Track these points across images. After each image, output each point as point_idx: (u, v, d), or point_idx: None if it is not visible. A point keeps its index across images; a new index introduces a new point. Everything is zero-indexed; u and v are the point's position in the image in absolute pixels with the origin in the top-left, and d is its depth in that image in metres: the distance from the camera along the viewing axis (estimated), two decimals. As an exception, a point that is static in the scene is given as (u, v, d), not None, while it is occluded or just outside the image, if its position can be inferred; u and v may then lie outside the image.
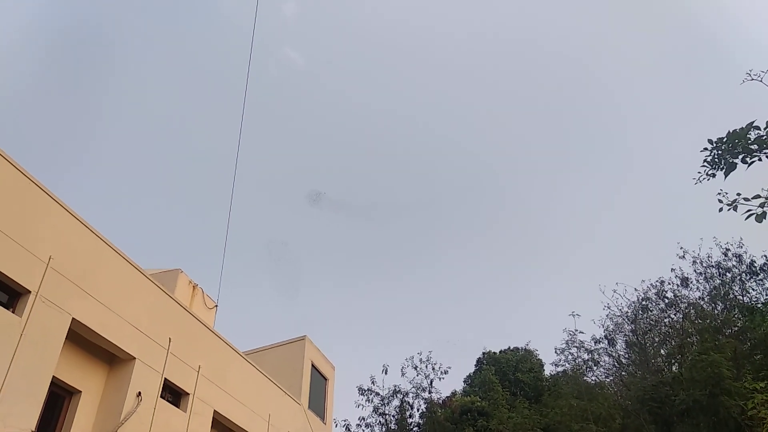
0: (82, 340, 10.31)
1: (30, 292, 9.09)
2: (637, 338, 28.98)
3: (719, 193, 7.42)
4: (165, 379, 11.79)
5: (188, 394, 12.55)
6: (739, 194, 7.12)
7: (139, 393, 10.90)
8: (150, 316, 11.79)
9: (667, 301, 29.19)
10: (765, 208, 6.80)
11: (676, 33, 63.85)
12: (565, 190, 69.46)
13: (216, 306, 17.37)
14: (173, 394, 12.35)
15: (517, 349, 42.12)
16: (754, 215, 6.87)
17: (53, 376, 9.38)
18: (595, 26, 67.67)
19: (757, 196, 6.94)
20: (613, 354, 30.27)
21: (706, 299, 27.95)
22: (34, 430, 8.72)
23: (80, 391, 10.36)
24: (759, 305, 25.12)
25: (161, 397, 11.62)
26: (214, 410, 13.31)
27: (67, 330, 9.59)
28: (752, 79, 7.75)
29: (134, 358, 11.02)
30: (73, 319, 9.72)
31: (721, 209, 7.35)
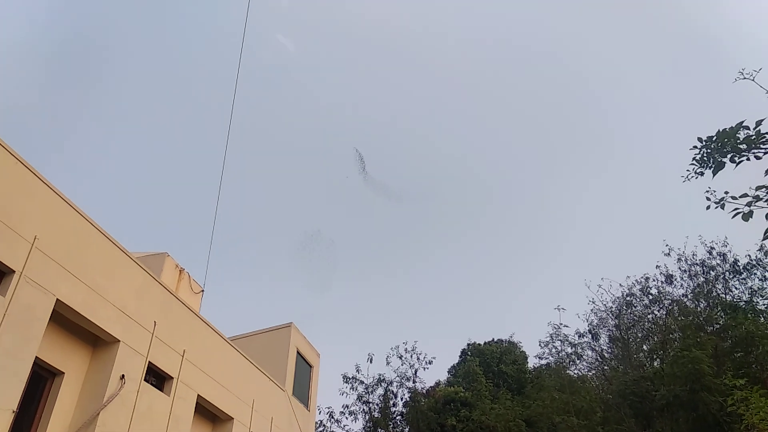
0: (66, 321, 10.23)
1: (14, 271, 8.99)
2: (621, 333, 29.27)
3: (707, 191, 7.46)
4: (149, 362, 11.73)
5: (172, 377, 12.51)
6: (726, 192, 7.17)
7: (123, 376, 10.86)
8: (135, 298, 11.72)
9: (651, 297, 29.49)
10: (752, 207, 6.85)
11: (671, 31, 64.01)
12: (555, 186, 69.78)
13: (202, 291, 17.30)
14: (157, 377, 12.31)
15: (501, 341, 42.49)
16: (741, 214, 6.92)
17: (36, 357, 9.30)
18: (588, 26, 67.72)
19: (745, 195, 6.98)
20: (597, 348, 30.60)
21: (689, 296, 28.26)
22: (15, 410, 8.66)
23: (63, 372, 10.29)
24: (741, 304, 25.43)
25: (145, 380, 11.58)
26: (198, 395, 13.30)
27: (51, 311, 9.51)
28: (744, 78, 7.77)
29: (118, 341, 10.95)
30: (57, 300, 9.63)
31: (708, 207, 7.39)
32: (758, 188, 6.88)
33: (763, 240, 6.92)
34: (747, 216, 6.83)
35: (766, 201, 6.83)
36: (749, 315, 23.30)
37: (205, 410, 14.03)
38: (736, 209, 7.01)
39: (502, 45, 69.58)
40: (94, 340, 10.99)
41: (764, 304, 25.26)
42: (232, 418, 14.64)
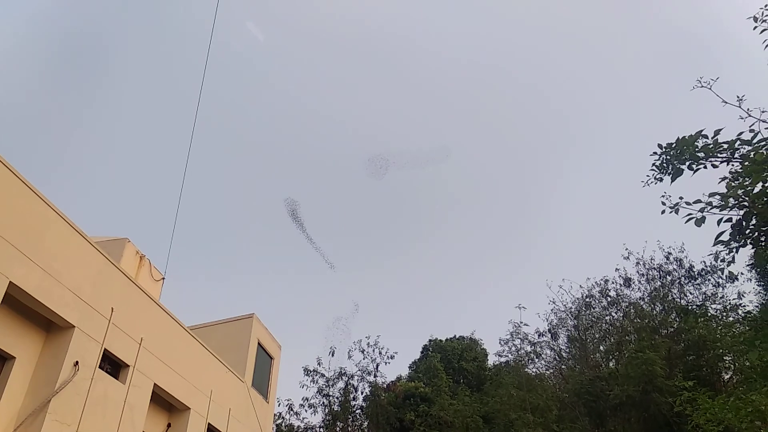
0: (18, 304, 9.96)
1: (-35, 252, 8.73)
2: (579, 334, 29.87)
3: (663, 196, 7.66)
4: (105, 349, 11.51)
5: (128, 365, 12.30)
6: (681, 198, 7.37)
7: (77, 362, 10.63)
8: (93, 284, 11.47)
9: (609, 299, 30.18)
10: (705, 213, 7.07)
11: (653, 32, 65.08)
12: (523, 188, 70.62)
13: (163, 278, 17.04)
14: (112, 365, 12.08)
15: (462, 338, 42.89)
16: (694, 219, 7.13)
17: (-14, 340, 9.06)
18: (568, 30, 68.57)
19: (698, 201, 7.19)
20: (555, 348, 31.16)
21: (646, 300, 28.99)
22: (-38, 394, 8.42)
23: (14, 357, 10.02)
24: (695, 308, 26.18)
25: (100, 367, 11.35)
26: (155, 383, 13.10)
27: (3, 294, 9.25)
28: (702, 86, 7.99)
29: (73, 327, 10.71)
30: (10, 282, 9.37)
31: (663, 211, 7.60)
32: (711, 195, 7.09)
33: (713, 245, 7.16)
34: (700, 221, 7.05)
35: (718, 207, 7.05)
36: (702, 320, 24.00)
37: (161, 399, 13.83)
38: (689, 214, 7.22)
39: (484, 46, 69.93)
40: (48, 325, 10.73)
41: (716, 310, 26.05)
42: (189, 408, 14.48)
